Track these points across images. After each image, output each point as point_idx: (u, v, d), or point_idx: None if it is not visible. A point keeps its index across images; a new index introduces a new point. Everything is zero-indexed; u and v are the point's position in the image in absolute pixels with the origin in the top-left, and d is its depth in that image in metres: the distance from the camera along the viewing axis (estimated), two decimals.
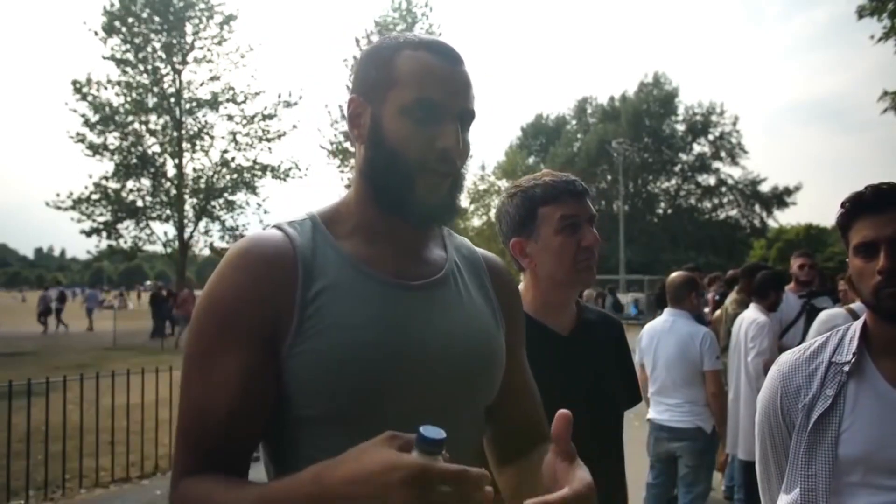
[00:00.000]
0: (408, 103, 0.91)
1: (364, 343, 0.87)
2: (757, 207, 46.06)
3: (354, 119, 0.97)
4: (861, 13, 13.46)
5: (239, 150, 19.51)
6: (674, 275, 3.88)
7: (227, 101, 19.35)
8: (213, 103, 19.28)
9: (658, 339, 3.71)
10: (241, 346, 0.85)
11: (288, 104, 19.40)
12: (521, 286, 1.58)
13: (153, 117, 19.15)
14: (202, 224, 19.85)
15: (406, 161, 0.91)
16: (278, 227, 0.95)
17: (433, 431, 0.67)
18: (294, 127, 19.59)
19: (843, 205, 1.34)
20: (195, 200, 19.63)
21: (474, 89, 0.97)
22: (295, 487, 0.73)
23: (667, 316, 3.76)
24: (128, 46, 18.80)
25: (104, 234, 18.89)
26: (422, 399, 0.90)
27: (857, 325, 1.35)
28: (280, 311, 0.87)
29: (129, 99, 18.77)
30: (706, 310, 6.16)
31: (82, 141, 18.31)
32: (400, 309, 0.92)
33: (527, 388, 1.12)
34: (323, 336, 0.86)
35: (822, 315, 3.61)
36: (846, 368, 1.29)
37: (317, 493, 0.71)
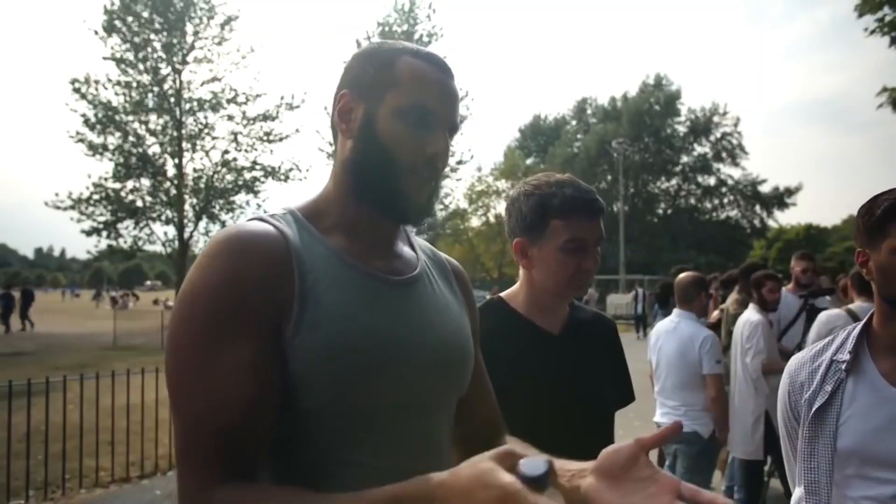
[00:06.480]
0: (405, 106, 0.93)
1: (362, 334, 0.88)
2: (757, 208, 46.04)
3: (345, 114, 0.97)
4: (859, 10, 13.47)
5: (239, 150, 19.49)
6: (682, 275, 3.88)
7: (228, 101, 19.31)
8: (214, 104, 19.25)
9: (662, 339, 3.73)
10: (250, 333, 0.81)
11: (290, 106, 19.34)
12: (517, 283, 1.59)
13: (153, 117, 19.12)
14: (202, 224, 19.83)
15: (396, 161, 0.93)
16: (261, 219, 0.91)
17: (531, 467, 0.62)
18: (297, 131, 19.53)
19: None
20: (195, 201, 19.60)
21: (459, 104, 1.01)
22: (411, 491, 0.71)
23: (674, 316, 3.79)
24: (128, 46, 18.76)
25: (104, 233, 18.86)
26: (412, 391, 0.92)
27: (859, 326, 1.42)
28: (284, 298, 0.84)
29: (128, 98, 18.75)
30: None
31: (82, 141, 18.28)
32: (388, 303, 0.94)
33: (488, 386, 1.17)
34: (321, 327, 0.85)
35: (822, 316, 3.63)
36: (844, 366, 1.37)
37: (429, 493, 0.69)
